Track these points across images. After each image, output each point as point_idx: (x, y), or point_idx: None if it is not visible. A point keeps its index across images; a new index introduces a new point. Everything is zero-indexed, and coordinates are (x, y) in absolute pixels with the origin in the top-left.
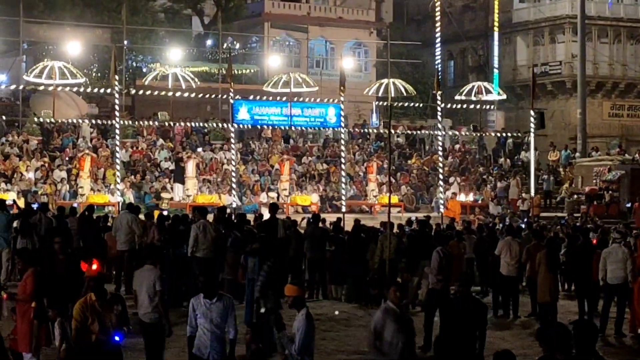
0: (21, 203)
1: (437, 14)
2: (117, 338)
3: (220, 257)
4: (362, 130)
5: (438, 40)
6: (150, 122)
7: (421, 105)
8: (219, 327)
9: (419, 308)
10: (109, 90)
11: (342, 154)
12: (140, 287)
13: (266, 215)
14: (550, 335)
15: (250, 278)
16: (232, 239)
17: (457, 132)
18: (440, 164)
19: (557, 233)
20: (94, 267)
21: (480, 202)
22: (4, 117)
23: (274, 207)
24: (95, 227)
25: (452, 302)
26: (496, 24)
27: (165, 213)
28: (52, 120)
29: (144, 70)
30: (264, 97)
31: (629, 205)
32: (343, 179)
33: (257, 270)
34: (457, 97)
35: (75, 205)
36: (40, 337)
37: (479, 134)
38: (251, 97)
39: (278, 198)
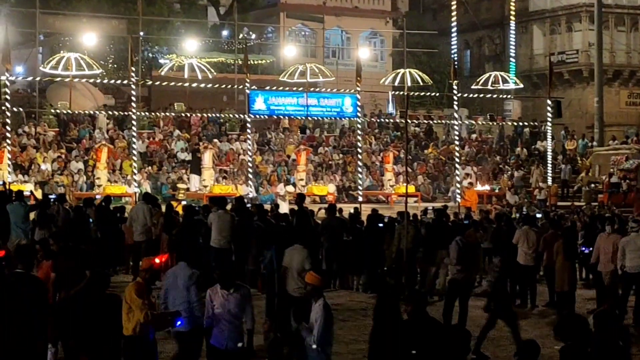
0: (38, 194)
1: (453, 3)
2: (179, 323)
3: (243, 248)
4: (378, 120)
5: (454, 29)
6: (167, 113)
7: (437, 94)
8: (236, 317)
9: (436, 298)
10: (125, 82)
11: (359, 144)
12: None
13: (283, 205)
14: (569, 329)
15: (270, 270)
16: (255, 230)
17: (473, 122)
18: (457, 154)
19: (575, 222)
20: (157, 260)
21: (497, 191)
22: (20, 109)
23: (301, 198)
24: (112, 218)
25: (404, 325)
26: (512, 12)
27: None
28: (69, 111)
29: (160, 61)
30: (280, 88)
31: None
32: (359, 169)
33: (275, 261)
34: (473, 87)
35: (98, 197)
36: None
37: (496, 123)
38: (267, 88)
39: (295, 188)
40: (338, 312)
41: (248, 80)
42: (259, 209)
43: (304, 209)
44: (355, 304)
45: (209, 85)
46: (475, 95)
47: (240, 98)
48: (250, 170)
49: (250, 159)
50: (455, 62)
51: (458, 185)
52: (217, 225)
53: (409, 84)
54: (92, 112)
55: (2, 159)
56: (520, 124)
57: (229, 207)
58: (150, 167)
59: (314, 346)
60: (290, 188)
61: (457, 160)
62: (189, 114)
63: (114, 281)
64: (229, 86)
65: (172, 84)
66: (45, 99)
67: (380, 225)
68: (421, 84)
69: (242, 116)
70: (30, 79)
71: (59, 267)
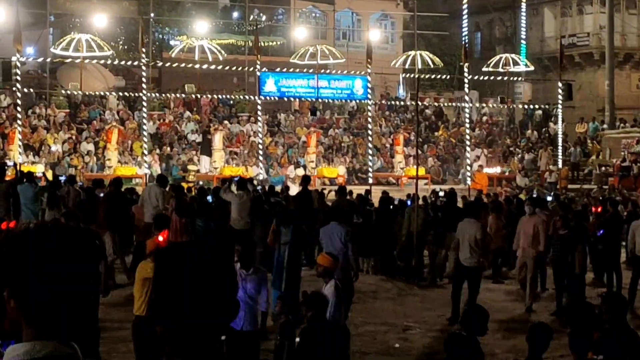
0: (49, 175)
1: None
2: None
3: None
4: (388, 103)
5: (465, 11)
6: (177, 95)
7: (448, 77)
8: (252, 298)
9: (446, 280)
10: (135, 63)
11: (369, 126)
12: None
13: (293, 187)
14: (576, 315)
15: (283, 249)
16: (260, 212)
17: (484, 104)
18: (467, 136)
19: (585, 205)
20: (161, 239)
21: (507, 174)
22: (31, 90)
23: (306, 180)
24: (122, 199)
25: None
26: None
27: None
28: (80, 92)
29: (171, 42)
30: (291, 69)
31: None
32: (370, 151)
33: (290, 240)
34: (484, 69)
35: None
36: None
37: (507, 106)
38: (278, 69)
39: (305, 170)
40: None
41: (258, 62)
42: (269, 191)
43: (307, 191)
44: (365, 286)
45: (220, 67)
46: (486, 77)
47: (250, 80)
48: (260, 152)
49: (261, 141)
50: (466, 45)
51: (468, 168)
52: (236, 207)
53: (420, 66)
54: (102, 94)
55: (12, 140)
56: (531, 106)
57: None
58: (159, 149)
59: None
60: (300, 171)
61: (467, 142)
62: (199, 96)
63: (117, 264)
64: (240, 68)
65: (183, 65)
66: (55, 80)
67: (390, 207)
68: (432, 66)
69: (252, 98)
70: (41, 60)
71: None
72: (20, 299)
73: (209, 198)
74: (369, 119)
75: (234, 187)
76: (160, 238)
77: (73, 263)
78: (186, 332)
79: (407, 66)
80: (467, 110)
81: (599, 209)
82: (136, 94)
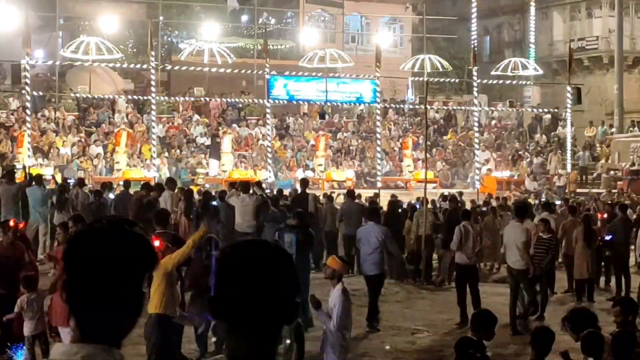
0: (58, 178)
1: None
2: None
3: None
4: (397, 107)
5: (474, 15)
6: (186, 98)
7: (457, 80)
8: None
9: (454, 284)
10: (144, 66)
11: (378, 130)
12: None
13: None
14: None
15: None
16: (268, 215)
17: (493, 108)
18: (476, 140)
19: (589, 209)
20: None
21: (516, 177)
22: (40, 93)
23: (304, 183)
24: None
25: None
26: None
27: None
28: (88, 95)
29: (180, 45)
30: (300, 73)
31: None
32: (378, 155)
33: (295, 246)
34: (493, 73)
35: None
36: None
37: (516, 110)
38: (287, 73)
39: (314, 174)
40: (356, 298)
41: (267, 65)
42: (278, 194)
43: (305, 194)
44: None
45: (228, 70)
46: (495, 81)
47: (259, 83)
48: (269, 155)
49: (270, 144)
50: (475, 48)
51: (477, 172)
52: (239, 210)
53: (429, 70)
54: (111, 97)
55: (21, 142)
56: (540, 110)
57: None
58: (168, 152)
59: (334, 331)
60: (309, 173)
61: (476, 146)
62: (208, 99)
63: None
64: (249, 71)
65: (192, 68)
66: (65, 83)
67: (399, 211)
68: (440, 70)
69: (261, 101)
70: (50, 63)
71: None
72: (71, 300)
73: (214, 202)
74: (378, 123)
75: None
76: (157, 243)
77: (122, 266)
78: (245, 332)
79: (416, 70)
80: (476, 114)
81: (604, 215)
82: (145, 97)
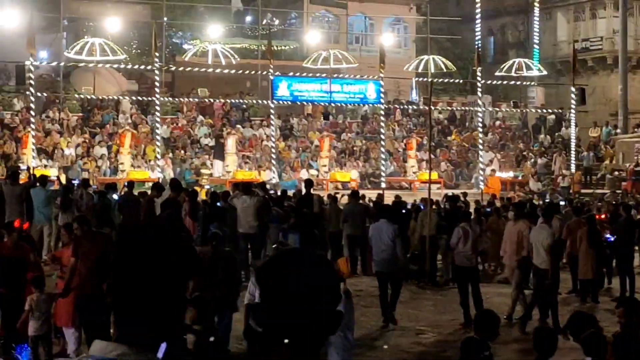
0: (63, 179)
1: None
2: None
3: (263, 233)
4: (401, 107)
5: (478, 15)
6: (190, 99)
7: (461, 81)
8: None
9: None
10: (149, 67)
11: (382, 130)
12: None
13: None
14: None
15: None
16: (273, 216)
17: (497, 109)
18: (480, 140)
19: (591, 209)
20: None
21: (520, 178)
22: (44, 94)
23: (308, 183)
24: (136, 203)
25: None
26: None
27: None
28: (93, 96)
29: (184, 46)
30: (304, 74)
31: None
32: (382, 156)
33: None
34: (497, 73)
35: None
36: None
37: (520, 110)
38: (291, 74)
39: (318, 174)
40: (360, 299)
41: (271, 66)
42: (282, 195)
43: (310, 195)
44: (378, 290)
45: (233, 71)
46: (499, 82)
47: (263, 84)
48: (273, 156)
49: (274, 145)
50: (479, 49)
51: (481, 172)
52: (240, 211)
53: (433, 71)
54: (115, 98)
55: (26, 143)
56: (544, 111)
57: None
58: (172, 153)
59: (337, 332)
60: (313, 172)
61: (480, 147)
62: (212, 100)
63: None
64: (253, 72)
65: (196, 69)
66: (69, 84)
67: (403, 211)
68: (444, 70)
69: (265, 102)
70: (54, 64)
71: (81, 250)
72: (115, 297)
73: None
74: (382, 123)
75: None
76: None
77: (169, 272)
78: (286, 339)
79: (420, 70)
80: (480, 114)
81: (603, 216)
82: (149, 98)
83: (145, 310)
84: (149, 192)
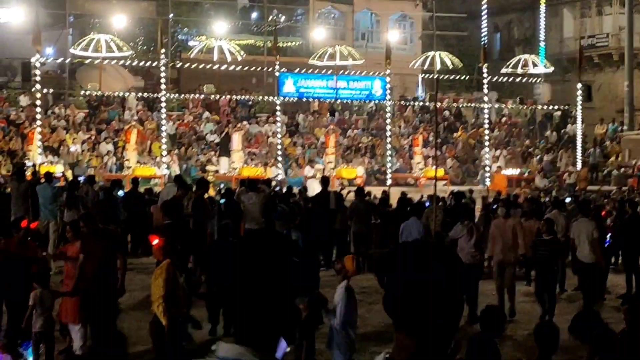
0: (68, 175)
1: None
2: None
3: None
4: (407, 104)
5: (484, 12)
6: (196, 95)
7: (467, 78)
8: None
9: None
10: (154, 63)
11: (388, 127)
12: None
13: (311, 188)
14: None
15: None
16: (278, 213)
17: (503, 105)
18: (486, 137)
19: (598, 206)
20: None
21: (526, 175)
22: (51, 90)
23: (325, 181)
24: (140, 199)
25: None
26: None
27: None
28: (99, 93)
29: (190, 43)
30: (310, 70)
31: None
32: (388, 152)
33: (301, 245)
34: (503, 70)
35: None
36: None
37: (526, 107)
38: (297, 70)
39: (323, 171)
40: (366, 295)
41: (277, 63)
42: (287, 192)
43: (326, 192)
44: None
45: (239, 68)
46: (505, 78)
47: (269, 80)
48: (279, 152)
49: (280, 142)
50: (485, 45)
51: (487, 169)
52: (245, 207)
53: (439, 67)
54: (121, 94)
55: (32, 140)
56: (550, 107)
57: None
58: (177, 149)
59: (338, 327)
60: (319, 166)
61: (486, 143)
62: (218, 96)
63: (135, 263)
64: (259, 68)
65: (202, 66)
66: (75, 80)
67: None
68: (451, 67)
69: (271, 98)
70: (60, 60)
71: (88, 248)
72: (235, 301)
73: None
74: (388, 120)
75: None
76: (155, 241)
77: (282, 272)
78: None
79: (426, 67)
80: (486, 111)
81: (603, 213)
82: (155, 95)
83: (265, 313)
84: (154, 188)
